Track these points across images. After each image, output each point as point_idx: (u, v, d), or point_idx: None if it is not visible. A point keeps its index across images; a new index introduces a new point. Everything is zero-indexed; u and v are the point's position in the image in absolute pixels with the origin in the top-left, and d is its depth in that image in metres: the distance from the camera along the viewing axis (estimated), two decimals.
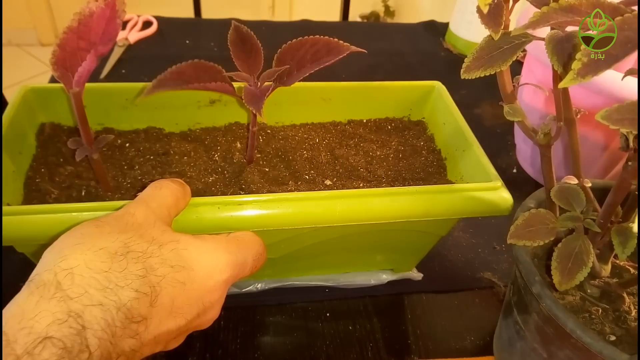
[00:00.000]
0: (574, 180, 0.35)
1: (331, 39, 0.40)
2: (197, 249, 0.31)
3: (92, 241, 0.28)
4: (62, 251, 0.27)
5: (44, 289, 0.25)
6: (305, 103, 0.51)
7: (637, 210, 0.33)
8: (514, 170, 0.66)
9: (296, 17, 1.19)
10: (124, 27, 0.87)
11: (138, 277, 0.27)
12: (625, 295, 0.35)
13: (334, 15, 1.67)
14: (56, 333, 0.23)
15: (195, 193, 0.42)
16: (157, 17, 0.91)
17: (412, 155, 0.50)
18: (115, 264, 0.27)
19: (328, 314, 0.48)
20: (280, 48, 0.41)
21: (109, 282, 0.26)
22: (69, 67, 0.35)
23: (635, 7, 0.25)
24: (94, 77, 0.75)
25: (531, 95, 0.58)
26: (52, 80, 0.72)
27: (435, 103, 0.52)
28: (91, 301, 0.25)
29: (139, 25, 0.89)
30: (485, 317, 0.49)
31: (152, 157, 0.46)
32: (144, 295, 0.27)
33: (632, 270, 0.38)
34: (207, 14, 1.27)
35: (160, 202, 0.33)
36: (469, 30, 0.89)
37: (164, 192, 0.34)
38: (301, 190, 0.43)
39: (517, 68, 0.59)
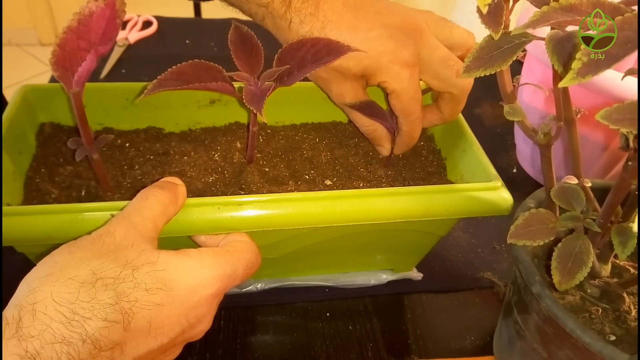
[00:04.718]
0: (574, 180, 0.35)
1: (332, 39, 0.40)
2: (177, 267, 0.31)
3: (62, 271, 0.28)
4: (32, 283, 0.27)
5: (7, 328, 0.25)
6: (305, 103, 0.51)
7: (637, 210, 0.33)
8: (514, 170, 0.66)
9: None
10: (124, 27, 0.87)
11: (107, 305, 0.27)
12: (625, 295, 0.35)
13: None
14: None
15: (195, 193, 0.42)
16: (157, 17, 0.91)
17: (412, 155, 0.50)
18: (82, 293, 0.27)
19: (328, 314, 0.48)
20: (280, 48, 0.41)
21: (74, 314, 0.26)
22: (69, 67, 0.35)
23: (635, 7, 0.25)
24: (94, 77, 0.75)
25: (531, 95, 0.58)
26: (52, 80, 0.72)
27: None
28: (53, 336, 0.25)
29: (139, 25, 0.89)
30: (485, 317, 0.49)
31: (152, 157, 0.46)
32: (115, 323, 0.27)
33: (632, 270, 0.38)
34: (207, 14, 1.27)
35: (145, 215, 0.33)
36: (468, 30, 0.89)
37: (150, 202, 0.33)
38: (301, 190, 0.43)
39: (517, 68, 0.59)
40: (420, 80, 0.44)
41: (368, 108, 0.46)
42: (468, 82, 0.45)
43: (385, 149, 0.48)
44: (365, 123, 0.47)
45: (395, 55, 0.41)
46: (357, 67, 0.42)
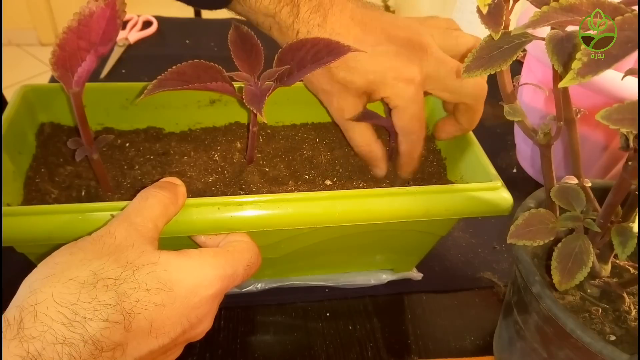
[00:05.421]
0: (574, 180, 0.35)
1: (332, 39, 0.40)
2: (178, 268, 0.31)
3: (62, 272, 0.28)
4: (33, 284, 0.27)
5: (8, 329, 0.25)
6: (305, 103, 0.51)
7: (637, 210, 0.33)
8: (514, 170, 0.66)
9: None
10: (124, 27, 0.87)
11: (108, 306, 0.27)
12: (625, 295, 0.35)
13: None
14: None
15: (195, 193, 0.42)
16: (157, 17, 0.91)
17: None
18: (83, 294, 0.27)
19: (328, 314, 0.48)
20: (280, 48, 0.41)
21: (75, 315, 0.26)
22: (69, 67, 0.35)
23: (635, 7, 0.25)
24: (94, 77, 0.75)
25: (531, 95, 0.58)
26: (52, 80, 0.72)
27: (435, 103, 0.52)
28: (55, 337, 0.25)
29: (139, 25, 0.89)
30: (485, 317, 0.49)
31: (152, 157, 0.46)
32: (116, 324, 0.27)
33: (632, 270, 0.38)
34: (207, 14, 1.27)
35: (145, 216, 0.33)
36: (469, 30, 0.88)
37: (150, 202, 0.33)
38: (301, 190, 0.43)
39: (517, 68, 0.59)
40: (432, 95, 0.44)
41: (367, 115, 0.45)
42: (481, 89, 0.44)
43: (380, 170, 0.46)
44: (360, 143, 0.45)
45: (400, 72, 0.41)
46: (362, 81, 0.41)
